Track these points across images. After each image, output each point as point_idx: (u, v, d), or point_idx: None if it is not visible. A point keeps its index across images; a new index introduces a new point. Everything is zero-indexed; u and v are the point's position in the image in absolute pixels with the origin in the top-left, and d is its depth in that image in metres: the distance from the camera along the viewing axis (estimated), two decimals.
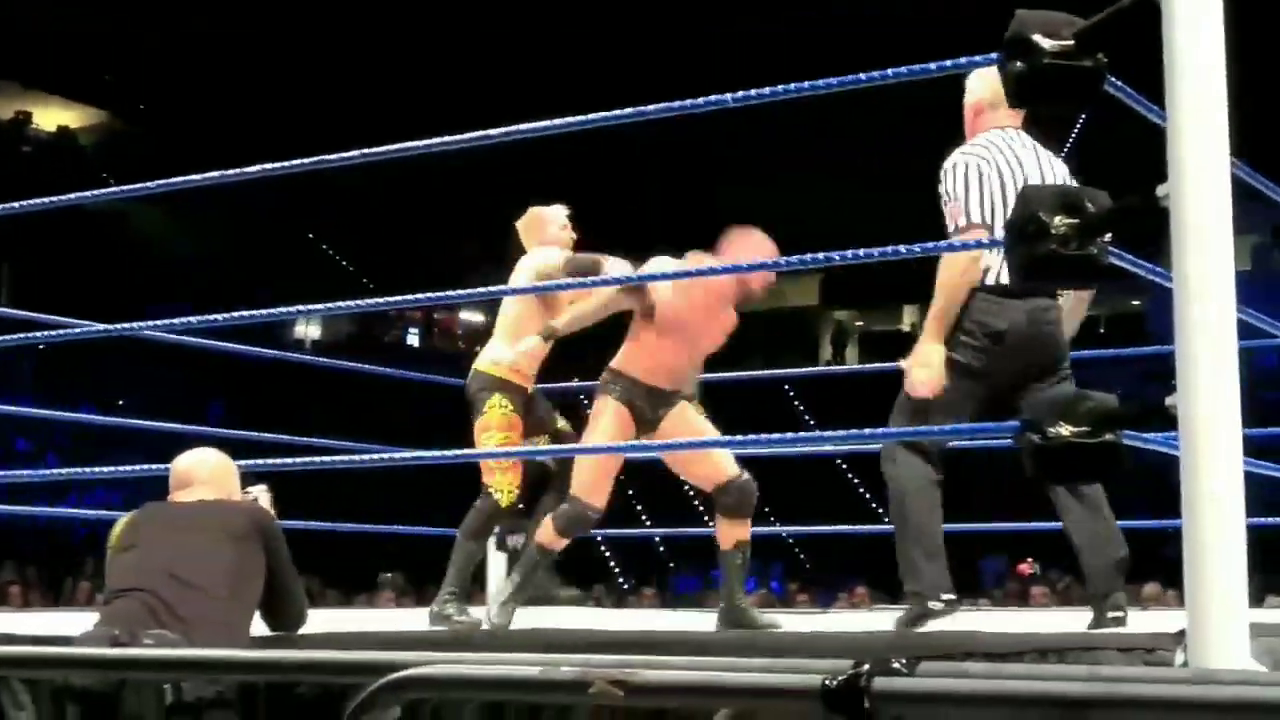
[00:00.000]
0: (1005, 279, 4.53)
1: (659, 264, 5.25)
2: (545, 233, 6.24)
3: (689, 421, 5.34)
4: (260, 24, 26.91)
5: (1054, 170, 4.71)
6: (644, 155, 26.96)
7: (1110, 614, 4.49)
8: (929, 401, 4.58)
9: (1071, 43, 3.08)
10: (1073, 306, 4.91)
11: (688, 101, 4.05)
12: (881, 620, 5.21)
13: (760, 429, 5.06)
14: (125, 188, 5.48)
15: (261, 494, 4.67)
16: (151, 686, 3.48)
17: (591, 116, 4.24)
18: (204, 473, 4.46)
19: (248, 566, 4.14)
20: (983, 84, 4.78)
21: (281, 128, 24.65)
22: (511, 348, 5.88)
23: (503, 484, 5.76)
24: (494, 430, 5.81)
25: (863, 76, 3.84)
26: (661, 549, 19.84)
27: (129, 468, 6.02)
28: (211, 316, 5.29)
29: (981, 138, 4.74)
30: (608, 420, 5.26)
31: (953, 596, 4.55)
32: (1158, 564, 14.37)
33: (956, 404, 4.59)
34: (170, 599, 3.97)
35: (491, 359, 5.95)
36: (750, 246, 5.22)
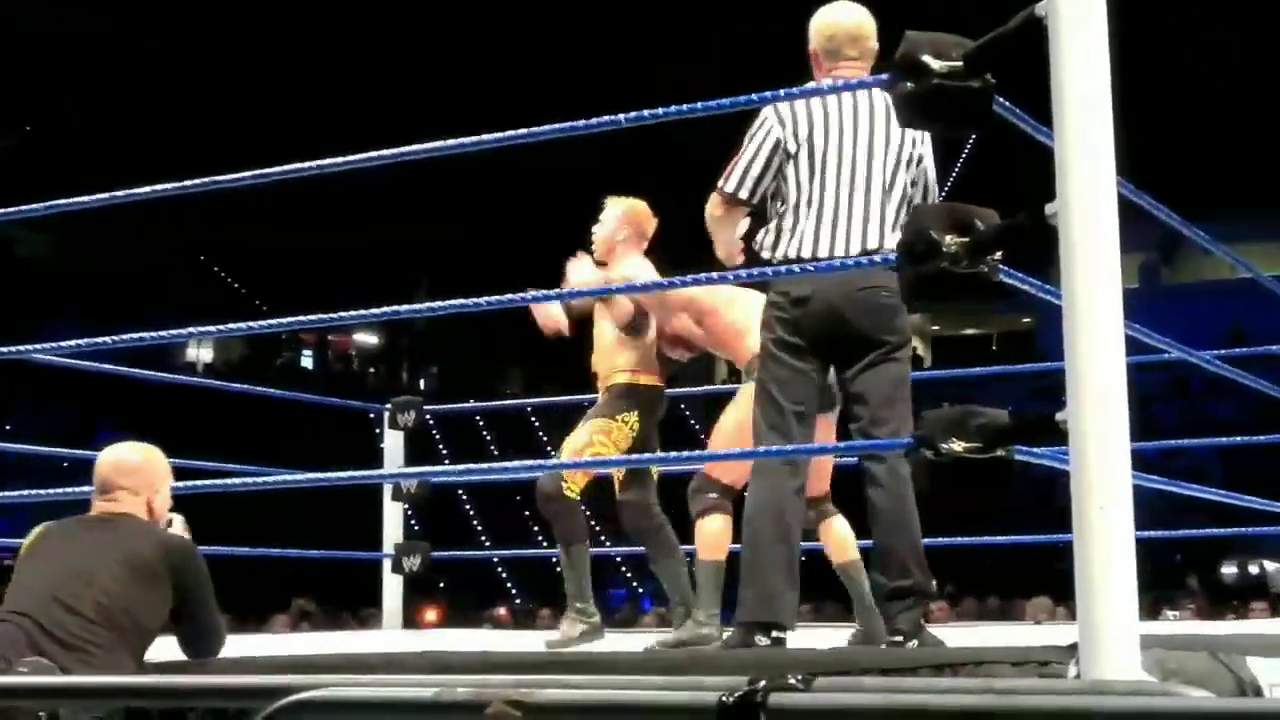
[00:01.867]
0: (815, 249, 4.37)
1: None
2: (643, 238, 5.80)
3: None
4: (145, 39, 26.63)
5: (887, 129, 4.46)
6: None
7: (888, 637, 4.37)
8: (763, 383, 4.44)
9: (960, 64, 3.12)
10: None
11: (579, 122, 4.04)
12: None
13: (664, 446, 5.07)
14: (10, 209, 5.40)
15: (177, 521, 4.51)
16: (29, 714, 3.42)
17: (487, 137, 4.22)
18: (123, 478, 4.32)
19: (145, 596, 4.05)
20: (814, 33, 4.55)
21: (170, 147, 24.40)
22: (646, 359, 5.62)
23: (578, 481, 5.48)
24: (609, 446, 5.48)
25: (769, 95, 3.86)
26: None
27: (13, 493, 5.94)
28: (100, 339, 5.22)
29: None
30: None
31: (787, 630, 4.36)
32: (1049, 578, 14.57)
33: (789, 382, 4.39)
34: (50, 625, 3.89)
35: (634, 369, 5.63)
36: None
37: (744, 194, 4.46)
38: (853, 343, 4.39)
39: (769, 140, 4.45)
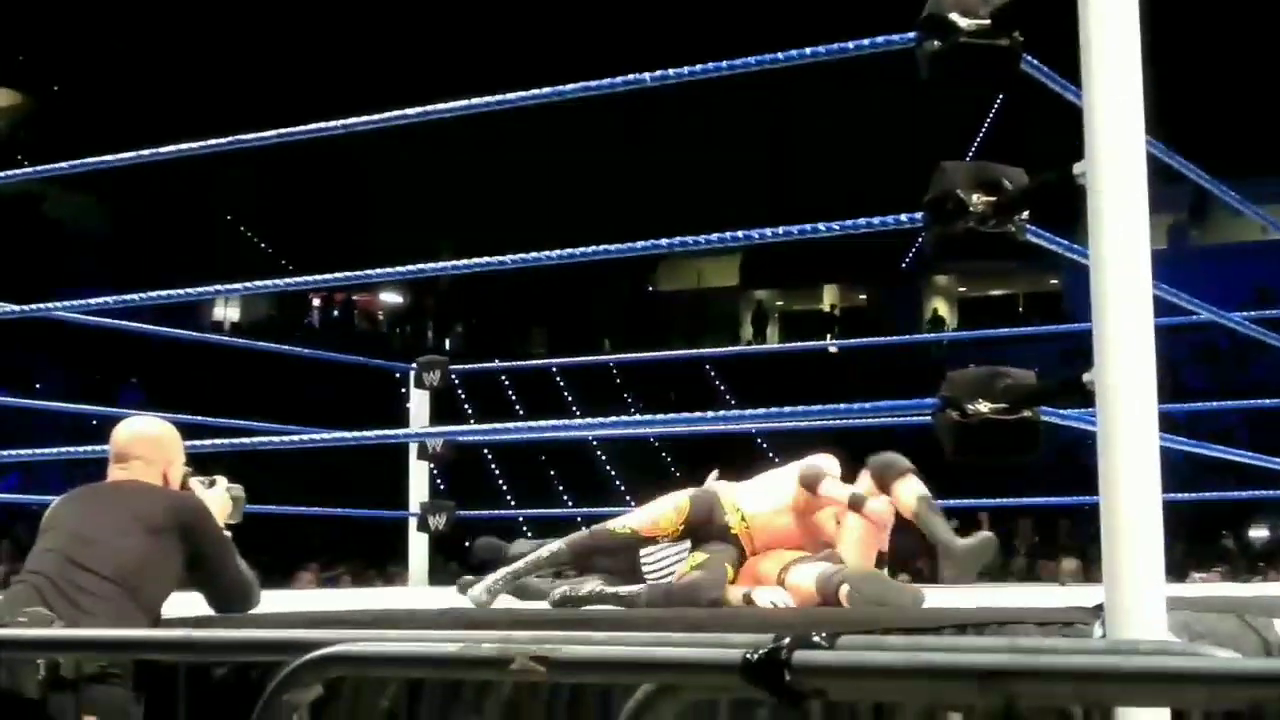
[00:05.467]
0: None
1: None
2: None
3: None
4: (174, 3, 26.64)
5: None
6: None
7: None
8: None
9: (988, 21, 3.10)
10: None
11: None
12: None
13: (683, 408, 5.07)
14: (38, 168, 5.41)
15: (219, 484, 4.52)
16: (30, 665, 3.45)
17: (510, 96, 4.22)
18: (140, 448, 4.37)
19: (156, 556, 4.07)
20: None
21: (198, 107, 24.42)
22: None
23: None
24: None
25: (780, 56, 3.84)
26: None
27: (43, 451, 5.96)
28: (127, 297, 5.24)
29: None
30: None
31: None
32: (1078, 540, 14.56)
33: None
34: (63, 583, 3.93)
35: None
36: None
37: None
38: None
39: None
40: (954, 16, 3.10)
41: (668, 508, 4.96)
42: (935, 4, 3.14)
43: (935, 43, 3.14)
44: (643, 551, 5.03)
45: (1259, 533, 17.32)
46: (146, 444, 4.39)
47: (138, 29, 27.20)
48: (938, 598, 4.73)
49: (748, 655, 1.77)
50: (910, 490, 4.77)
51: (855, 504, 4.77)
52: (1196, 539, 14.50)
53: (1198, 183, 4.55)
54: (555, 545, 4.95)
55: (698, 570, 4.71)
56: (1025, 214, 3.13)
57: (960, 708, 3.07)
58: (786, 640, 1.77)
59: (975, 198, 3.07)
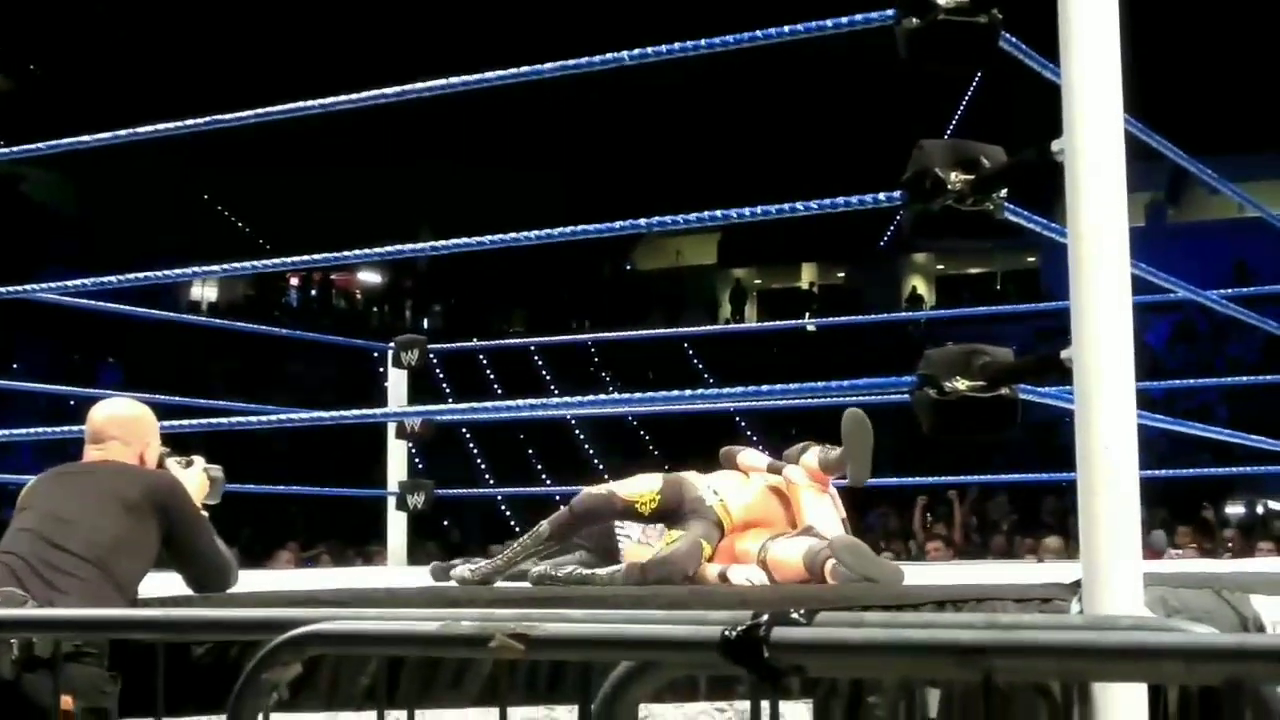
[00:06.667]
0: None
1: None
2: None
3: None
4: None
5: None
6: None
7: None
8: None
9: None
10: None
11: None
12: None
13: (661, 387, 5.07)
14: (16, 148, 5.39)
15: (197, 464, 4.53)
16: (3, 644, 3.44)
17: (489, 75, 4.21)
18: (116, 429, 4.38)
19: (132, 535, 4.08)
20: None
21: (175, 87, 24.33)
22: None
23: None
24: None
25: (759, 34, 3.84)
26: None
27: (19, 432, 5.95)
28: (105, 278, 5.23)
29: None
30: None
31: None
32: (1056, 517, 14.62)
33: None
34: (38, 562, 3.93)
35: None
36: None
37: None
38: None
39: None
40: None
41: (644, 482, 5.02)
42: None
43: (914, 20, 3.14)
44: (618, 532, 5.07)
45: (1235, 509, 17.40)
46: (123, 425, 4.40)
47: (116, 8, 27.08)
48: (917, 574, 4.75)
49: (726, 632, 1.77)
50: (750, 455, 5.13)
51: (775, 469, 5.00)
52: (1178, 514, 14.56)
53: (1175, 161, 4.56)
54: (538, 526, 4.98)
55: (674, 545, 4.73)
56: (1003, 192, 3.14)
57: (939, 683, 3.08)
58: (765, 617, 1.77)
59: (953, 176, 3.08)
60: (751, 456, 5.15)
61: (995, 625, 1.74)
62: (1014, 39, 3.34)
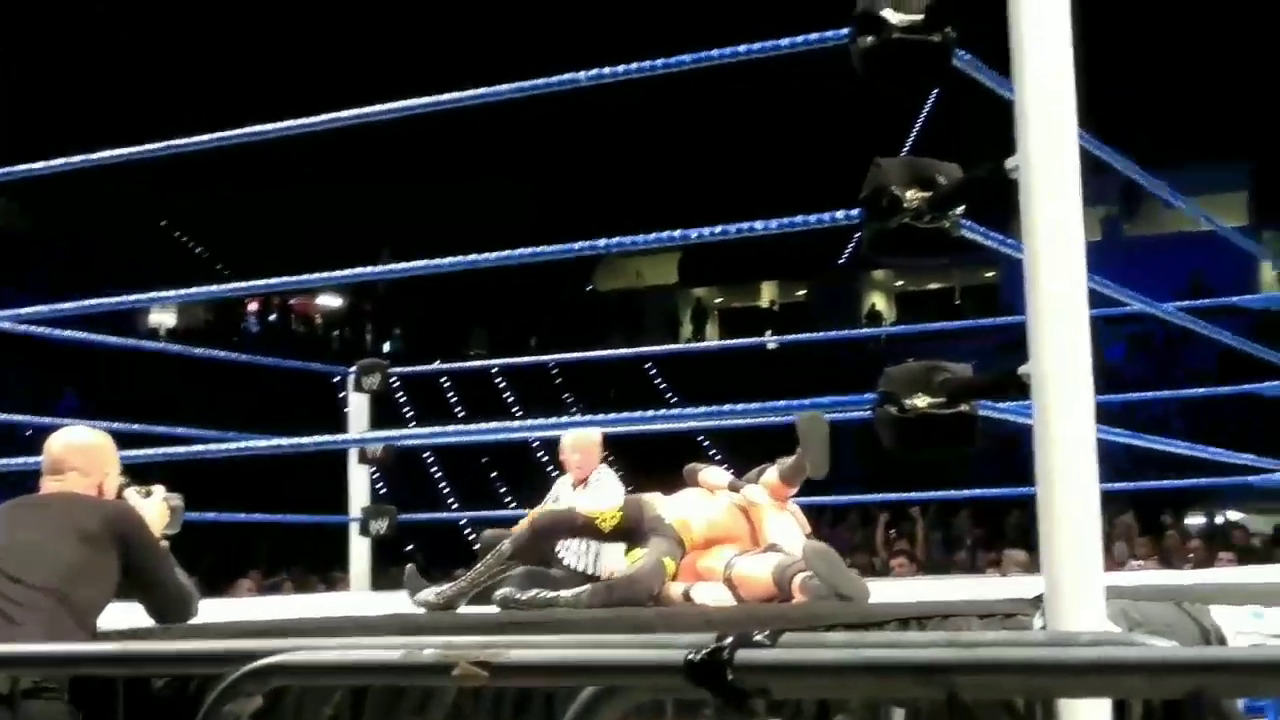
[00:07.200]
0: None
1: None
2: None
3: None
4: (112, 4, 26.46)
5: None
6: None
7: None
8: None
9: (920, 17, 3.11)
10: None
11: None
12: None
13: (623, 407, 5.07)
14: None
15: (157, 493, 4.49)
16: None
17: (443, 97, 4.21)
18: (75, 458, 4.31)
19: (90, 566, 4.03)
20: None
21: (135, 110, 24.24)
22: None
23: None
24: None
25: (714, 53, 3.84)
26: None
27: None
28: (62, 305, 5.19)
29: None
30: None
31: None
32: (1019, 532, 14.64)
33: None
34: None
35: None
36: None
37: None
38: None
39: None
40: (886, 13, 3.11)
41: (605, 499, 5.05)
42: (868, 0, 3.15)
43: (868, 39, 3.15)
44: (558, 549, 5.12)
45: (1195, 519, 17.48)
46: (81, 454, 4.33)
47: (72, 34, 26.99)
48: (882, 591, 4.76)
49: (690, 656, 1.77)
50: (713, 473, 5.20)
51: (734, 487, 5.09)
52: (1139, 525, 14.62)
53: (1128, 174, 4.58)
54: (499, 545, 4.98)
55: (638, 563, 4.73)
56: (960, 209, 3.15)
57: (904, 702, 3.08)
58: (729, 639, 1.77)
59: (910, 193, 3.08)
60: (714, 474, 5.18)
61: (957, 644, 1.74)
62: (969, 56, 3.36)
